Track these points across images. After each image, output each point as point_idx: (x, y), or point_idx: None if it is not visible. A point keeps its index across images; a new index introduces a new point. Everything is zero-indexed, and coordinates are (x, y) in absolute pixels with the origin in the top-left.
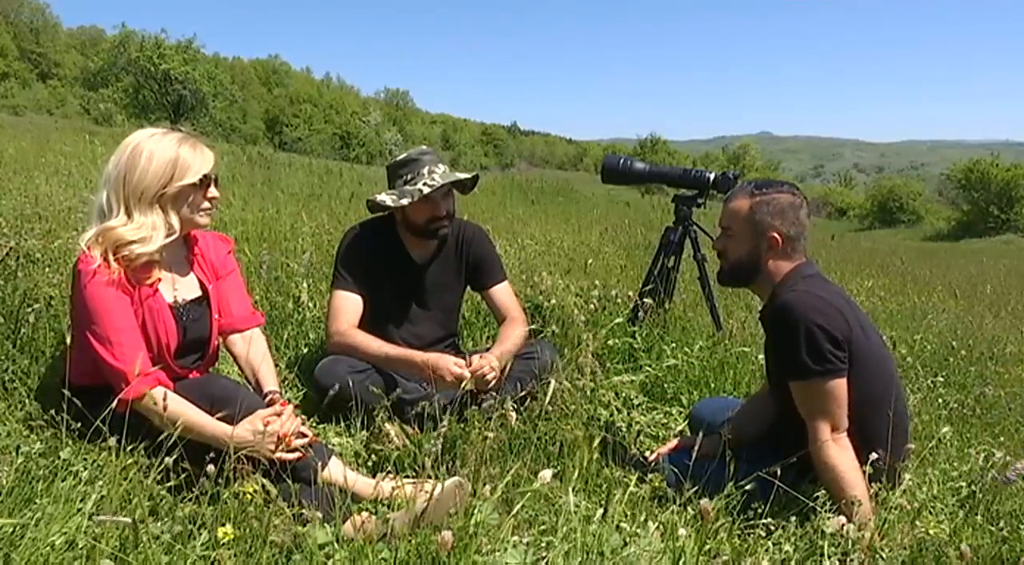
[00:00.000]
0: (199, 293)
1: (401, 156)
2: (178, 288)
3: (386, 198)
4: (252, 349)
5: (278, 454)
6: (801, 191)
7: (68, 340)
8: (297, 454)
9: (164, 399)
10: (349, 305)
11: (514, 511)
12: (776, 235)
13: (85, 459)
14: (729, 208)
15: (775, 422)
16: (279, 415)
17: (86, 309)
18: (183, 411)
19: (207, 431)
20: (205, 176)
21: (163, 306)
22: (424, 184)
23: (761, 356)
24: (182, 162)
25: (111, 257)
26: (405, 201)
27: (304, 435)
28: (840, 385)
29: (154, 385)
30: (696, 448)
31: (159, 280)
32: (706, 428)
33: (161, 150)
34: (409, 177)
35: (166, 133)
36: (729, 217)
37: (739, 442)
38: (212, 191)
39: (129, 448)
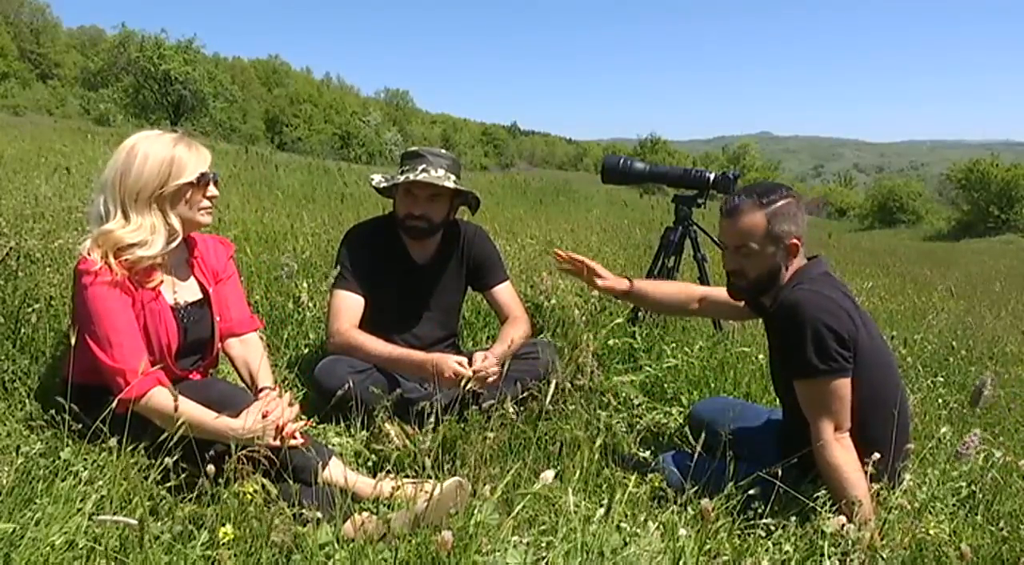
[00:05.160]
0: (199, 295)
1: (415, 148)
2: (178, 290)
3: (375, 176)
4: (250, 352)
5: (279, 443)
6: (793, 189)
7: (72, 339)
8: (300, 440)
9: (165, 397)
10: (350, 305)
11: (514, 511)
12: (795, 241)
13: (85, 459)
14: (742, 227)
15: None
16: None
17: (86, 311)
18: (185, 409)
19: (209, 427)
20: (203, 174)
21: (165, 308)
22: (405, 176)
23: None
24: (178, 160)
25: (112, 260)
26: (376, 179)
27: (301, 419)
28: (845, 385)
29: (154, 385)
30: (697, 448)
31: (161, 282)
32: (706, 428)
33: (156, 150)
34: (407, 168)
35: (161, 134)
36: (744, 235)
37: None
38: (211, 189)
39: (129, 448)
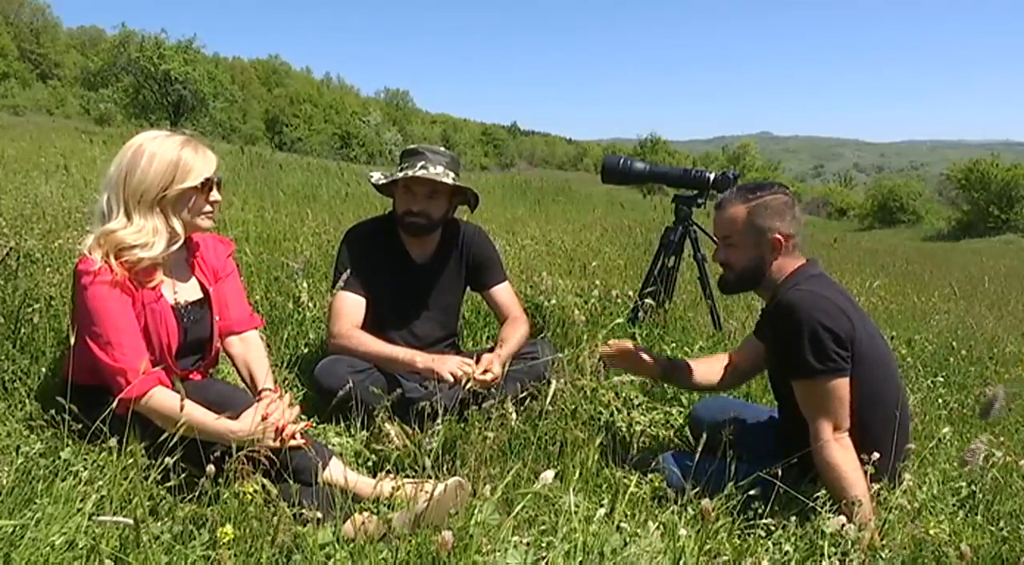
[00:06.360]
0: (200, 295)
1: (414, 145)
2: (179, 290)
3: (374, 174)
4: (249, 351)
5: (279, 444)
6: (790, 189)
7: (72, 339)
8: (301, 440)
9: (167, 397)
10: (350, 306)
11: (515, 512)
12: (778, 236)
13: (85, 459)
14: (725, 217)
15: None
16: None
17: (86, 310)
18: (186, 410)
19: (209, 428)
20: (207, 179)
21: (165, 308)
22: (404, 173)
23: None
24: (184, 164)
25: (112, 260)
26: (375, 176)
27: (301, 420)
28: (843, 384)
29: (155, 385)
30: (698, 450)
31: (162, 282)
32: (706, 428)
33: (163, 152)
34: (406, 165)
35: (169, 135)
36: (727, 226)
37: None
38: (214, 195)
39: (129, 448)
